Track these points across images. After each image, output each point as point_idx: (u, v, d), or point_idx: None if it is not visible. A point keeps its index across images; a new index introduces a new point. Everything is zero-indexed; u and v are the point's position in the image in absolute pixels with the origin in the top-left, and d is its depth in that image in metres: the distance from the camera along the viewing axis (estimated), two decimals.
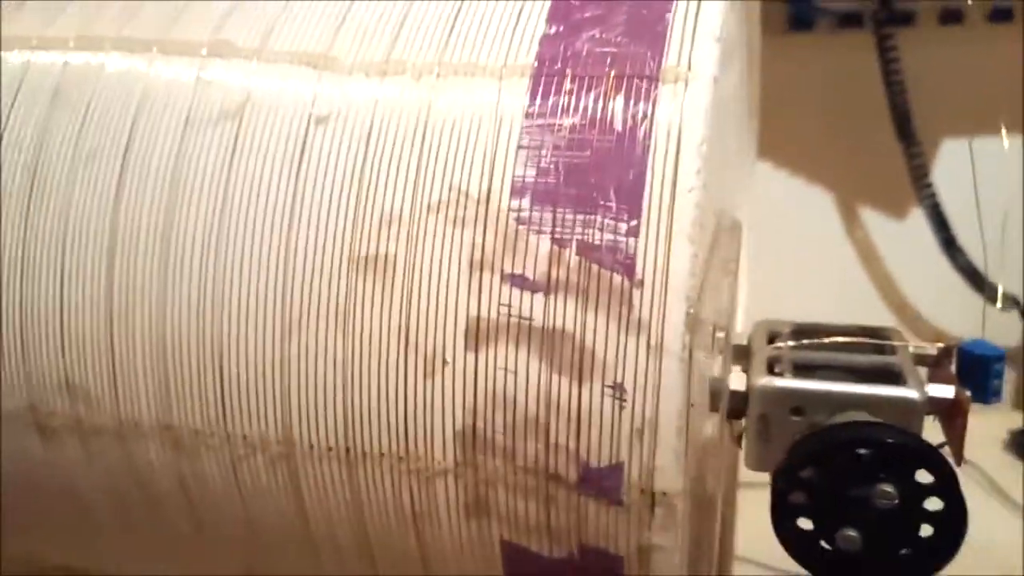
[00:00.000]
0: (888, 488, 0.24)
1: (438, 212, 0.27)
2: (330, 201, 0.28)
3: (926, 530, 0.24)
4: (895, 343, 0.31)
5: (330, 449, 0.29)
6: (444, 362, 0.27)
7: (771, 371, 0.30)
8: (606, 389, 0.25)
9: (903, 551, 0.24)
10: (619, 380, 0.25)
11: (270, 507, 0.31)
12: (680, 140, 0.25)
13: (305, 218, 0.28)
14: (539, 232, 0.26)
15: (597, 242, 0.25)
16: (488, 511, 0.28)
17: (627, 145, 0.26)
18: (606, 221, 0.25)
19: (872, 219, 0.66)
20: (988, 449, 0.69)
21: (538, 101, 0.27)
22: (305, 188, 0.28)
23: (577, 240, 0.26)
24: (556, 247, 0.26)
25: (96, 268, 0.30)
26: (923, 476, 0.24)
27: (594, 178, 0.26)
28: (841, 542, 0.24)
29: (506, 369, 0.26)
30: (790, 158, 0.63)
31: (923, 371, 0.32)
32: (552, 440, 0.26)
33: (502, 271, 0.26)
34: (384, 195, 0.28)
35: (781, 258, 0.63)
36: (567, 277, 0.26)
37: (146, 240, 0.30)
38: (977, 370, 0.30)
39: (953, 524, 0.24)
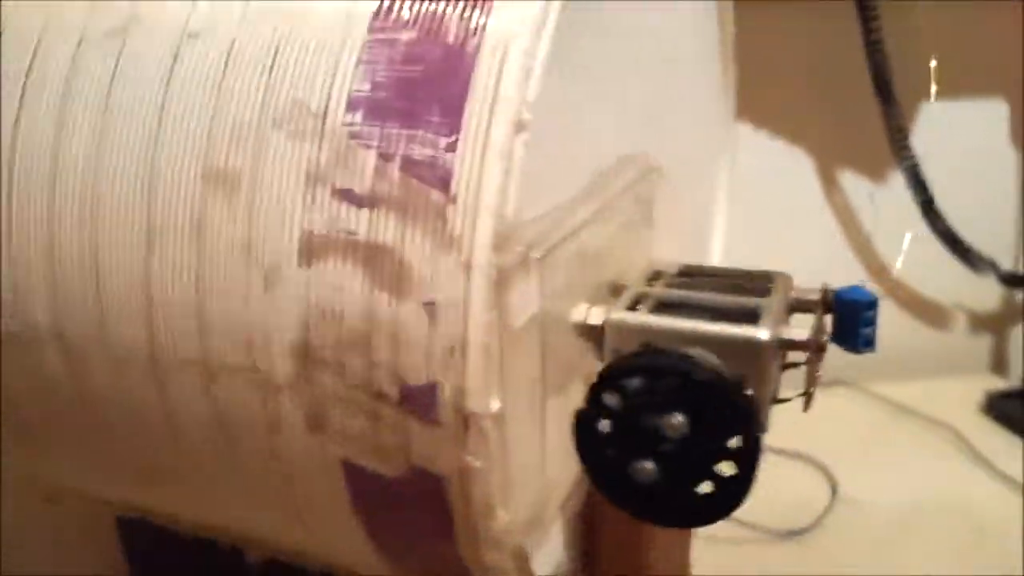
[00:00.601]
0: (678, 419, 0.23)
1: (281, 127, 0.27)
2: (190, 115, 0.29)
3: (727, 468, 0.23)
4: (773, 286, 0.30)
5: (189, 358, 0.30)
6: (280, 276, 0.27)
7: (632, 308, 0.29)
8: (421, 306, 0.25)
9: (699, 487, 0.23)
10: (432, 298, 0.25)
11: (147, 416, 0.32)
12: (506, 53, 0.25)
13: (168, 132, 0.29)
14: (368, 147, 0.26)
15: (419, 157, 0.25)
16: (325, 428, 0.28)
17: (455, 59, 0.25)
18: (428, 136, 0.25)
19: (851, 182, 0.64)
20: (966, 412, 0.69)
21: (382, 16, 0.27)
22: (171, 103, 0.29)
23: (401, 155, 0.25)
24: (382, 162, 0.26)
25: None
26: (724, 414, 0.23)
27: (422, 92, 0.25)
28: (635, 472, 0.24)
29: (333, 284, 0.26)
30: (770, 121, 0.61)
31: (800, 317, 0.30)
32: (375, 357, 0.26)
33: (333, 186, 0.26)
34: (236, 110, 0.28)
35: (761, 221, 0.61)
36: (390, 192, 0.25)
37: (39, 153, 0.31)
38: (849, 316, 0.28)
39: (747, 463, 0.23)
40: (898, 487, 0.61)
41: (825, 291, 0.29)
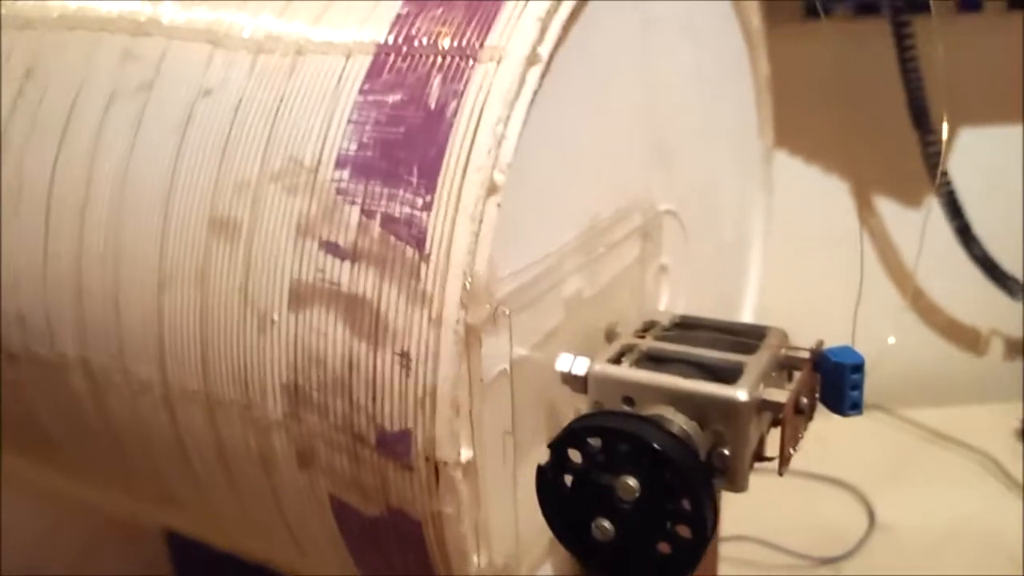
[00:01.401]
0: (631, 482, 0.23)
1: (278, 180, 0.29)
2: (200, 167, 0.31)
3: (682, 531, 0.23)
4: (763, 343, 0.30)
5: (194, 392, 0.32)
6: (272, 321, 0.29)
7: (618, 359, 0.30)
8: (396, 357, 0.26)
9: (655, 547, 0.23)
10: (406, 349, 0.26)
11: (159, 441, 0.34)
12: (480, 119, 0.26)
13: (181, 181, 0.31)
14: (353, 203, 0.27)
15: (398, 215, 0.26)
16: (314, 464, 0.30)
17: (435, 122, 0.26)
18: (406, 195, 0.26)
19: (887, 208, 0.62)
20: (1001, 438, 0.68)
21: (373, 75, 0.28)
22: (185, 154, 0.31)
23: (382, 212, 0.27)
24: (365, 218, 0.27)
25: (37, 220, 0.35)
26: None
27: (403, 153, 0.27)
28: (595, 531, 0.24)
29: (318, 330, 0.28)
30: (805, 147, 0.60)
31: (784, 375, 0.30)
32: (355, 401, 0.27)
33: (320, 238, 0.28)
34: (240, 163, 0.30)
35: (795, 247, 0.60)
36: (370, 247, 0.27)
37: (72, 197, 0.34)
38: (835, 378, 0.28)
39: (696, 528, 0.23)
40: (933, 514, 0.61)
41: (814, 350, 0.29)
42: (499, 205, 0.26)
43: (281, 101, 0.30)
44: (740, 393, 0.27)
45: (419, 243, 0.26)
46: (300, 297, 0.28)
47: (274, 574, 0.43)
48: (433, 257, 0.25)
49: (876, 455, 0.69)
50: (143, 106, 0.33)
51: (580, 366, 0.30)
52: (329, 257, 0.27)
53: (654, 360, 0.30)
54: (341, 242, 0.27)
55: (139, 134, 0.33)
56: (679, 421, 0.26)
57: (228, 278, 0.30)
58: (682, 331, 0.32)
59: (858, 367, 0.27)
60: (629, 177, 0.36)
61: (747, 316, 0.54)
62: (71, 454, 0.41)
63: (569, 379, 0.30)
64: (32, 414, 0.39)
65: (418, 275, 0.26)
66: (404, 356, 0.26)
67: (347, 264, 0.27)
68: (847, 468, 0.66)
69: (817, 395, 0.29)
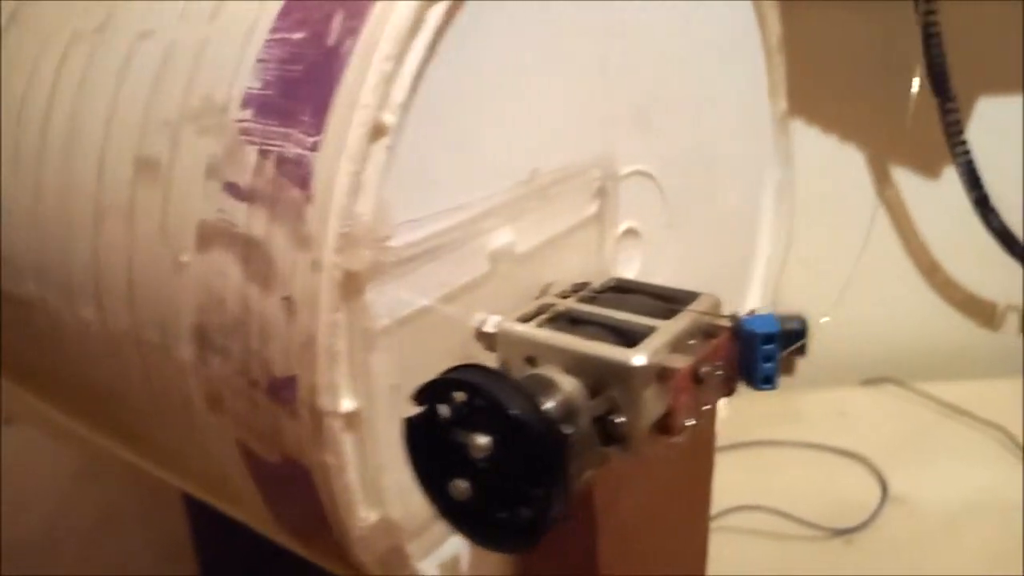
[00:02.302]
0: (481, 440, 0.22)
1: (194, 121, 0.29)
2: (132, 107, 0.31)
3: (535, 498, 0.22)
4: (685, 309, 0.28)
5: (125, 333, 0.32)
6: (183, 262, 0.29)
7: (532, 319, 0.28)
8: (282, 301, 0.26)
9: (509, 510, 0.22)
10: (290, 293, 0.25)
11: (108, 382, 0.35)
12: (372, 58, 0.25)
13: (117, 120, 0.31)
14: (252, 143, 0.27)
15: (289, 155, 0.26)
16: (222, 408, 0.30)
17: (330, 60, 0.25)
18: (299, 135, 0.25)
19: (904, 178, 0.58)
20: (1015, 412, 0.67)
21: (283, 15, 0.27)
22: (122, 94, 0.31)
23: (276, 152, 0.26)
24: (261, 158, 0.26)
25: (8, 157, 0.36)
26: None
27: (301, 91, 0.26)
28: (452, 489, 0.23)
29: (220, 272, 0.27)
30: (823, 115, 0.56)
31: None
32: (250, 345, 0.27)
33: (223, 179, 0.27)
34: (165, 104, 0.30)
35: (812, 217, 0.58)
36: (264, 188, 0.26)
37: (33, 135, 0.35)
38: (747, 348, 0.26)
39: (553, 497, 0.21)
40: (948, 488, 0.62)
41: (733, 317, 0.27)
42: (389, 147, 0.25)
43: (204, 44, 0.29)
44: (636, 358, 0.25)
45: (304, 184, 0.25)
46: (205, 238, 0.28)
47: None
48: (316, 199, 0.25)
49: (890, 428, 0.69)
50: (95, 48, 0.33)
51: (491, 323, 0.29)
52: (230, 198, 0.27)
53: (570, 321, 0.28)
54: (240, 183, 0.27)
55: (87, 74, 0.33)
56: (564, 384, 0.25)
57: (149, 218, 0.30)
58: (613, 294, 0.31)
59: (770, 337, 0.25)
60: (585, 132, 0.34)
61: (756, 290, 0.52)
62: (42, 382, 0.42)
63: (481, 336, 0.29)
64: (15, 346, 0.41)
65: (302, 218, 0.25)
66: (289, 301, 0.26)
67: (244, 205, 0.27)
68: (861, 441, 0.66)
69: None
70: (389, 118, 0.25)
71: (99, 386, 0.36)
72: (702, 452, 0.47)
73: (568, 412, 0.25)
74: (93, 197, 0.32)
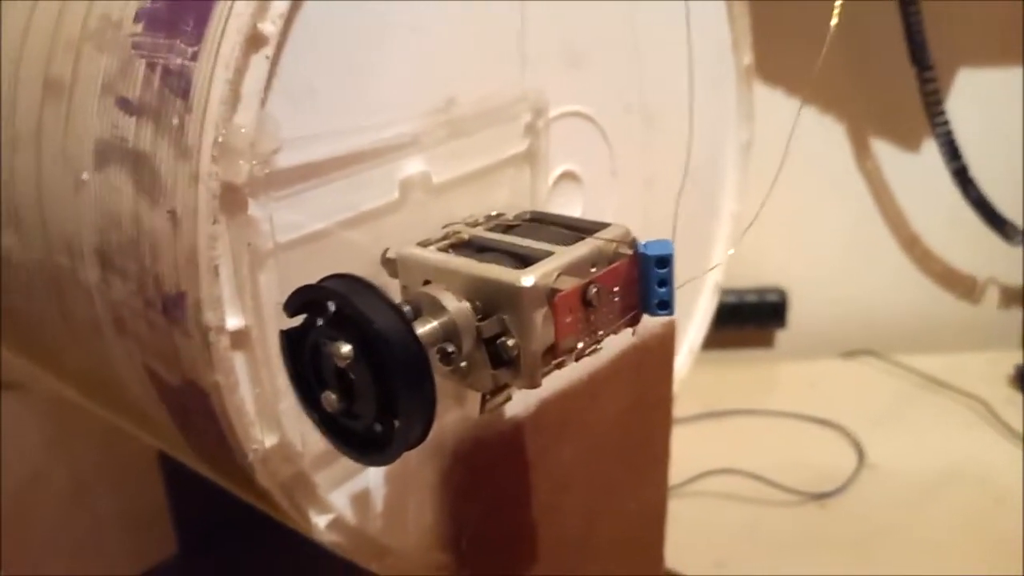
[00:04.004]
0: (344, 348, 0.21)
1: (92, 39, 0.28)
2: (44, 31, 0.30)
3: (399, 410, 0.21)
4: (591, 237, 0.27)
5: (40, 261, 0.32)
6: (83, 181, 0.28)
7: (433, 244, 0.28)
8: (167, 215, 0.25)
9: (368, 424, 0.22)
10: (174, 207, 0.25)
11: (31, 301, 0.35)
12: None
13: (30, 45, 0.31)
14: (142, 56, 0.26)
15: (172, 67, 0.25)
16: (126, 332, 0.29)
17: None
18: (182, 45, 0.25)
19: (884, 150, 0.56)
20: (995, 385, 0.68)
21: None
22: (34, 20, 0.31)
23: (162, 64, 0.25)
24: (149, 71, 0.26)
25: None
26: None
27: (187, 3, 0.25)
28: (324, 401, 0.22)
29: (116, 190, 0.27)
30: (801, 86, 0.55)
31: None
32: (144, 264, 0.27)
33: (117, 95, 0.27)
34: (70, 24, 0.29)
35: (790, 188, 0.56)
36: (151, 101, 0.26)
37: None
38: (643, 273, 0.25)
39: (406, 412, 0.21)
40: (924, 456, 0.62)
41: (631, 242, 0.26)
42: (270, 58, 0.24)
43: None
44: (525, 279, 0.24)
45: (185, 94, 0.24)
46: (102, 156, 0.27)
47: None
48: (195, 110, 0.24)
49: (869, 399, 0.68)
50: None
51: (394, 249, 0.28)
52: (122, 113, 0.26)
53: (475, 248, 0.28)
54: (131, 97, 0.26)
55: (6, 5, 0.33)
56: (450, 303, 0.24)
57: (55, 139, 0.29)
58: (527, 225, 0.30)
59: (664, 260, 0.24)
60: (508, 66, 0.33)
61: (719, 247, 0.50)
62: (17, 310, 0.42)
63: (385, 262, 0.28)
64: None
65: (183, 129, 0.24)
66: (173, 214, 0.25)
67: (133, 120, 0.26)
68: (839, 411, 0.66)
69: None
70: (269, 27, 0.24)
71: (28, 316, 0.36)
72: (656, 408, 0.46)
73: (451, 332, 0.24)
74: (10, 122, 0.32)
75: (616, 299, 0.25)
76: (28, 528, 0.59)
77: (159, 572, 0.57)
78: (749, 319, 0.73)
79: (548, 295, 0.24)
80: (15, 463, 0.67)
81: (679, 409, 0.50)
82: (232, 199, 0.24)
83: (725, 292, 0.55)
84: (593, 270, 0.26)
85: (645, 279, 0.25)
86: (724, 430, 0.67)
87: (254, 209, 0.25)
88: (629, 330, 0.27)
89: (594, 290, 0.24)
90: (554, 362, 0.25)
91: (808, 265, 0.71)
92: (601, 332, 0.25)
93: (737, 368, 0.73)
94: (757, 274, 0.71)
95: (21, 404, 0.76)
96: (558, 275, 0.25)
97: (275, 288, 0.26)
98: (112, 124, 0.27)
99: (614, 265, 0.25)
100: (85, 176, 0.28)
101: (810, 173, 0.59)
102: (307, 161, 0.26)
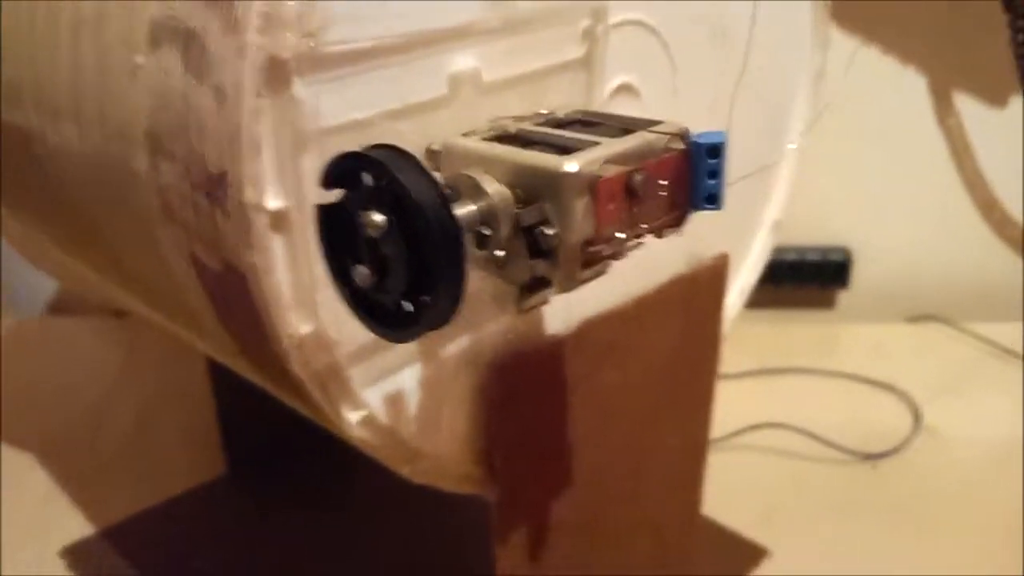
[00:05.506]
0: (377, 217, 0.20)
1: None
2: None
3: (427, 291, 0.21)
4: (637, 129, 0.26)
5: (98, 148, 0.32)
6: (138, 64, 0.28)
7: (483, 137, 0.27)
8: (213, 90, 0.25)
9: (398, 299, 0.21)
10: (219, 81, 0.25)
11: (87, 194, 0.36)
12: None
13: None
14: None
15: None
16: (174, 219, 0.30)
17: None
18: None
19: (967, 106, 0.52)
20: None
21: None
22: None
23: None
24: None
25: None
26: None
27: None
28: (356, 277, 0.22)
29: (167, 71, 0.27)
30: (881, 34, 0.51)
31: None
32: (191, 145, 0.27)
33: None
34: None
35: (863, 142, 0.54)
36: None
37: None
38: (695, 165, 0.24)
39: (450, 286, 0.20)
40: (984, 425, 0.60)
41: (683, 134, 0.25)
42: None
43: None
44: (569, 165, 0.23)
45: None
46: (155, 38, 0.27)
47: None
48: None
49: (931, 366, 0.66)
50: None
51: (438, 142, 0.27)
52: None
53: (518, 140, 0.27)
54: None
55: None
56: (490, 188, 0.24)
57: (113, 25, 0.30)
58: (578, 123, 0.29)
59: (716, 149, 0.23)
60: None
61: (781, 185, 0.48)
62: (45, 220, 0.43)
63: (429, 155, 0.28)
64: (16, 178, 0.42)
65: (232, 1, 0.24)
66: (218, 89, 0.25)
67: (185, 1, 0.26)
68: (899, 376, 0.64)
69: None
70: None
71: (83, 212, 0.37)
72: (704, 344, 0.45)
73: (488, 216, 0.24)
74: (73, 12, 0.32)
75: (663, 193, 0.24)
76: (96, 451, 0.62)
77: (203, 490, 0.58)
78: (810, 278, 0.70)
79: (591, 183, 0.23)
80: (86, 385, 0.70)
81: (731, 364, 0.49)
82: (277, 74, 0.24)
83: (785, 249, 0.53)
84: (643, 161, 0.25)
85: (695, 170, 0.24)
86: (778, 387, 0.65)
87: (300, 89, 0.25)
88: (680, 253, 0.25)
89: (640, 178, 0.23)
90: (594, 255, 0.24)
91: (876, 224, 0.68)
92: (645, 226, 0.24)
93: (795, 327, 0.71)
94: (820, 231, 0.68)
95: (93, 329, 0.79)
96: (603, 163, 0.24)
97: (317, 174, 0.26)
98: (163, 5, 0.27)
99: (662, 157, 0.24)
100: (140, 59, 0.28)
101: (886, 127, 0.56)
102: (356, 44, 0.26)
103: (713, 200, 0.24)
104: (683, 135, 0.25)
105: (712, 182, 0.23)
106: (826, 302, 0.72)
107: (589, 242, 0.24)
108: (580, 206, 0.24)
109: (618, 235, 0.24)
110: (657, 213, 0.24)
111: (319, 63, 0.25)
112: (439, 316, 0.21)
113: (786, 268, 0.70)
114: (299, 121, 0.25)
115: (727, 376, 0.47)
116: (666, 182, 0.24)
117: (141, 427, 0.65)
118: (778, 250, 0.49)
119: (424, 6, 0.28)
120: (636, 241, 0.24)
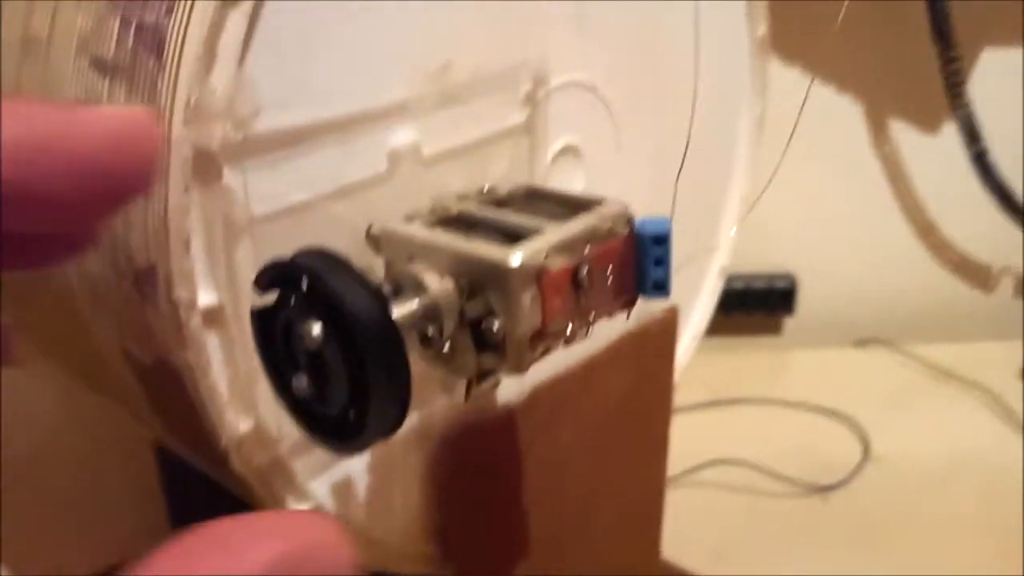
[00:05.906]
0: (315, 328, 0.20)
1: None
2: None
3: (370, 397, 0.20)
4: (580, 211, 0.25)
5: None
6: None
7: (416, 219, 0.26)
8: None
9: (339, 409, 0.20)
10: None
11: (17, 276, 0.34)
12: None
13: (11, 6, 0.30)
14: (117, 13, 0.25)
15: (146, 23, 0.24)
16: (102, 305, 0.28)
17: None
18: (156, 0, 0.23)
19: (901, 133, 0.54)
20: (1005, 376, 0.67)
21: None
22: None
23: (136, 20, 0.24)
24: (123, 28, 0.24)
25: None
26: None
27: None
28: (296, 387, 0.21)
29: None
30: (817, 63, 0.53)
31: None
32: (115, 233, 0.25)
33: (91, 54, 0.25)
34: None
35: (802, 171, 0.55)
36: (124, 59, 0.24)
37: None
38: (640, 253, 0.23)
39: (376, 396, 0.19)
40: (930, 448, 0.61)
41: (628, 219, 0.24)
42: (250, 16, 0.23)
43: None
44: (513, 257, 0.23)
45: (158, 52, 0.23)
46: None
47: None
48: (167, 68, 0.23)
49: (875, 389, 0.67)
50: None
51: (378, 225, 0.27)
52: (95, 74, 0.25)
53: (461, 223, 0.26)
54: (105, 56, 0.25)
55: None
56: (432, 283, 0.23)
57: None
58: (521, 200, 0.28)
59: (661, 238, 0.23)
60: (509, 30, 0.31)
61: (727, 229, 0.49)
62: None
63: (369, 238, 0.27)
64: None
65: (156, 89, 0.23)
66: None
67: (107, 81, 0.25)
68: (846, 401, 0.65)
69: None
70: None
71: (21, 294, 0.35)
72: (657, 395, 0.44)
73: (431, 313, 0.23)
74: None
75: (610, 280, 0.24)
76: (29, 503, 0.59)
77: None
78: (757, 305, 0.71)
79: (536, 275, 0.23)
80: (17, 439, 0.67)
81: (683, 397, 0.49)
82: (205, 166, 0.23)
83: (732, 277, 0.54)
84: (588, 249, 0.25)
85: (641, 259, 0.23)
86: (729, 419, 0.65)
87: (229, 177, 0.24)
88: (624, 314, 0.25)
89: (585, 270, 0.23)
90: (541, 345, 0.23)
91: (819, 251, 0.69)
92: (593, 315, 0.24)
93: (744, 355, 0.71)
94: (766, 259, 0.69)
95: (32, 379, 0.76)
96: (547, 253, 0.23)
97: (252, 264, 0.25)
98: (86, 87, 0.25)
99: (607, 245, 0.24)
100: None
101: (824, 156, 0.57)
102: (288, 127, 0.25)
103: (661, 288, 0.23)
104: (627, 218, 0.24)
105: (659, 270, 0.23)
106: (773, 328, 0.73)
107: (537, 332, 0.24)
108: (526, 298, 0.23)
109: (567, 328, 0.23)
110: (604, 299, 0.24)
111: (250, 148, 0.24)
112: (386, 424, 0.20)
113: (734, 297, 0.70)
114: (231, 211, 0.24)
115: (679, 410, 0.47)
116: (611, 269, 0.24)
117: (80, 484, 0.62)
118: (727, 279, 0.49)
119: (359, 83, 0.27)
120: (585, 329, 0.24)
